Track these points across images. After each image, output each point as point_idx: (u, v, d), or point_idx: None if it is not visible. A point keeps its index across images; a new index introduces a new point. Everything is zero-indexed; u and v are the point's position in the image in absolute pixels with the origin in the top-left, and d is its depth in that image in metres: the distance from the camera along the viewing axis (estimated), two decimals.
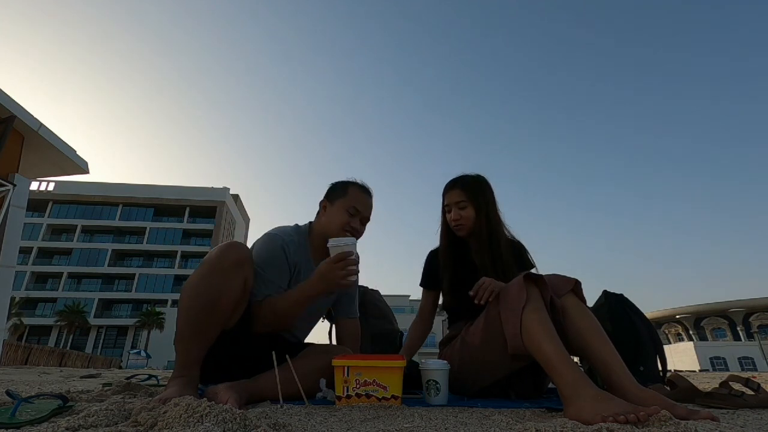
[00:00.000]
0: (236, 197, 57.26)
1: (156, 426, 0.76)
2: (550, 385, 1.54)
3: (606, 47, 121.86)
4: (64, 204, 46.67)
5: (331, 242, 1.30)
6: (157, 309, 38.55)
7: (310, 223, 1.61)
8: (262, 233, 1.53)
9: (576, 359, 1.25)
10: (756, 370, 35.21)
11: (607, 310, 1.83)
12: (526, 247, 1.75)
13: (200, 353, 1.22)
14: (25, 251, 41.61)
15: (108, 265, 44.94)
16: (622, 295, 1.91)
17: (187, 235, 48.56)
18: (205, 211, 49.54)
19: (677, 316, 49.21)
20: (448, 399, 1.26)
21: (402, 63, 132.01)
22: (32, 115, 5.29)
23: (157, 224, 47.99)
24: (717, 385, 1.34)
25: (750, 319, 45.05)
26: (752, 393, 1.28)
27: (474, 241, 1.64)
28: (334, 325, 1.78)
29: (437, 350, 1.70)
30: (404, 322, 1.88)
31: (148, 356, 30.62)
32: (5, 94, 4.91)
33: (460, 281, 1.58)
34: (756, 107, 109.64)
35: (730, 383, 1.32)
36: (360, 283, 1.86)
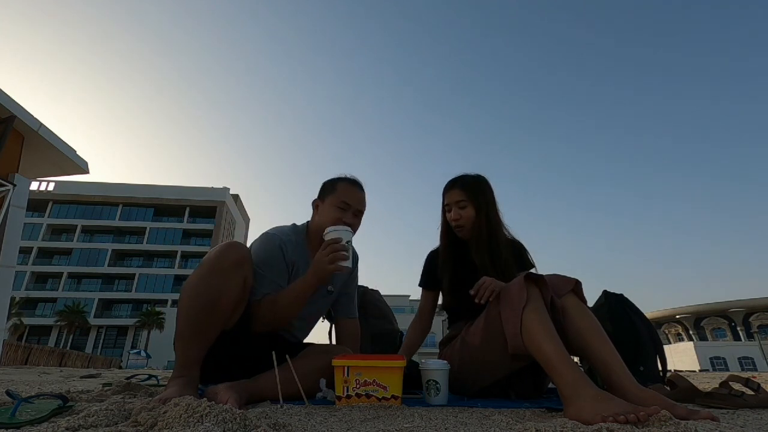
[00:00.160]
0: (236, 197, 57.26)
1: (156, 426, 0.76)
2: (550, 385, 1.54)
3: (606, 47, 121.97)
4: (64, 204, 46.66)
5: (327, 230, 1.34)
6: (157, 309, 38.54)
7: (308, 222, 1.61)
8: (261, 233, 1.54)
9: (576, 359, 1.25)
10: (756, 370, 35.21)
11: (607, 310, 1.83)
12: (526, 247, 1.75)
13: (200, 353, 1.22)
14: (25, 251, 41.61)
15: (108, 265, 44.93)
16: (622, 295, 1.91)
17: (187, 235, 48.55)
18: (205, 211, 49.53)
19: (677, 316, 49.20)
20: (448, 399, 1.26)
21: (402, 63, 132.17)
22: (32, 115, 5.29)
23: (157, 224, 47.98)
24: (717, 385, 1.34)
25: (750, 319, 45.04)
26: (752, 393, 1.28)
27: (474, 240, 1.64)
28: (333, 325, 1.78)
29: (437, 350, 1.70)
30: (404, 322, 1.88)
31: (148, 356, 30.61)
32: (5, 94, 4.91)
33: (460, 281, 1.58)
34: (756, 107, 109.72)
35: (730, 383, 1.32)
36: (360, 283, 1.86)
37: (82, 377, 3.37)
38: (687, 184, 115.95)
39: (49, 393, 1.18)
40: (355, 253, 1.73)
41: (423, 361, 1.33)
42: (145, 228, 47.10)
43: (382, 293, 2.48)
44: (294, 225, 1.59)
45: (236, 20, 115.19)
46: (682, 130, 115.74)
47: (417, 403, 1.23)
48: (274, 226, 1.61)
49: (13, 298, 25.29)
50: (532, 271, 1.53)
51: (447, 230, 1.73)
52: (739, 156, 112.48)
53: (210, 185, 52.75)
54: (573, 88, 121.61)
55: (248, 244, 1.52)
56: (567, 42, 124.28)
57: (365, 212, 1.58)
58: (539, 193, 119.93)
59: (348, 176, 1.58)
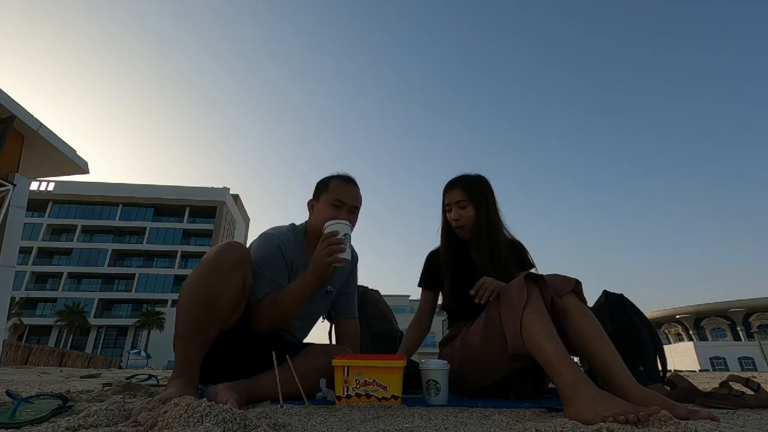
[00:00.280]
0: (236, 197, 57.28)
1: (156, 426, 0.76)
2: (550, 385, 1.54)
3: (606, 47, 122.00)
4: (64, 204, 46.67)
5: (325, 225, 1.34)
6: (157, 309, 38.54)
7: (306, 223, 1.61)
8: (260, 233, 1.54)
9: (576, 359, 1.25)
10: (756, 370, 35.21)
11: (607, 310, 1.83)
12: (526, 247, 1.75)
13: (200, 353, 1.22)
14: (25, 251, 41.61)
15: (108, 265, 44.94)
16: (622, 295, 1.91)
17: (187, 235, 48.56)
18: (205, 211, 49.54)
19: (677, 316, 49.21)
20: (448, 399, 1.26)
21: (402, 63, 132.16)
22: (32, 115, 5.29)
23: (157, 224, 47.99)
24: (717, 385, 1.34)
25: (750, 319, 45.05)
26: (752, 393, 1.28)
27: (474, 240, 1.64)
28: (333, 325, 1.78)
29: (437, 350, 1.70)
30: (404, 322, 1.88)
31: (148, 356, 30.61)
32: (5, 94, 4.91)
33: (460, 281, 1.58)
34: (756, 107, 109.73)
35: (730, 383, 1.32)
36: (360, 283, 1.86)
37: (82, 377, 3.37)
38: (687, 184, 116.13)
39: (49, 393, 1.18)
40: (355, 253, 1.73)
41: (423, 361, 1.33)
42: (145, 228, 47.10)
43: (382, 293, 2.48)
44: (292, 225, 1.59)
45: (236, 20, 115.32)
46: (682, 130, 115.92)
47: (417, 403, 1.23)
48: (273, 226, 1.61)
49: (13, 298, 25.29)
50: (532, 271, 1.53)
51: (447, 230, 1.73)
52: (739, 156, 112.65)
53: (210, 185, 52.86)
54: (573, 88, 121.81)
55: (248, 245, 1.52)
56: (567, 42, 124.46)
57: (364, 209, 1.57)
58: (539, 193, 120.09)
59: (340, 173, 1.57)
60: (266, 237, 1.48)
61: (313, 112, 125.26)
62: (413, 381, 1.43)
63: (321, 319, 1.73)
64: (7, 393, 1.10)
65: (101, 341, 42.19)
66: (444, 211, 1.74)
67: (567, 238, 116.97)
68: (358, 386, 1.18)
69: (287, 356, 1.26)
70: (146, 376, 2.20)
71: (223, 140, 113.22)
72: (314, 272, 1.31)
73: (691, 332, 48.94)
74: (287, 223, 1.61)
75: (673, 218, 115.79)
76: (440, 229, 1.76)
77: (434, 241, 1.81)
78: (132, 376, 2.04)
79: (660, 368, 1.75)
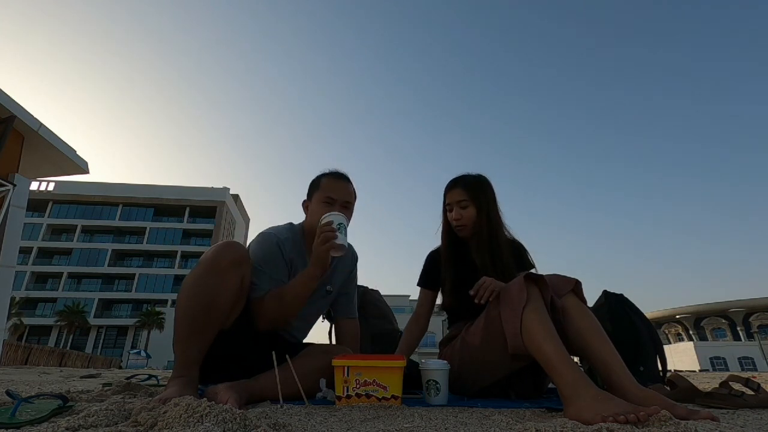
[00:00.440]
0: (236, 197, 57.28)
1: (156, 426, 0.76)
2: (550, 385, 1.54)
3: (606, 48, 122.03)
4: (64, 204, 46.67)
5: (321, 218, 1.35)
6: (157, 309, 38.56)
7: (303, 223, 1.62)
8: (258, 233, 1.55)
9: (576, 359, 1.25)
10: (756, 370, 35.20)
11: (607, 310, 1.83)
12: (526, 247, 1.75)
13: (199, 353, 1.22)
14: (25, 251, 41.60)
15: (108, 265, 44.93)
16: (622, 295, 1.91)
17: (187, 235, 48.55)
18: (205, 211, 49.54)
19: (677, 316, 49.21)
20: (448, 399, 1.26)
21: (402, 63, 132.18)
22: (32, 115, 5.29)
23: (157, 224, 47.99)
24: (717, 385, 1.34)
25: (750, 319, 45.05)
26: (752, 393, 1.28)
27: (475, 240, 1.64)
28: (333, 325, 1.78)
29: (437, 350, 1.70)
30: (404, 322, 1.88)
31: (148, 356, 30.63)
32: (5, 94, 4.91)
33: (460, 281, 1.58)
34: (757, 108, 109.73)
35: (730, 383, 1.32)
36: (360, 283, 1.86)
37: (82, 377, 3.37)
38: (687, 184, 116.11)
39: (49, 393, 1.18)
40: (355, 253, 1.73)
41: (423, 361, 1.33)
42: (145, 228, 47.09)
43: (382, 293, 2.48)
44: (290, 224, 1.60)
45: (236, 20, 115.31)
46: (682, 130, 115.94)
47: (417, 403, 1.23)
48: (272, 226, 1.61)
49: (13, 298, 25.29)
50: (532, 271, 1.53)
51: (448, 230, 1.73)
52: (739, 156, 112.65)
53: (210, 185, 52.86)
54: (573, 88, 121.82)
55: (247, 245, 1.52)
56: (567, 42, 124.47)
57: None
58: (539, 193, 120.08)
59: (330, 170, 1.58)
60: (265, 236, 1.50)
61: (312, 112, 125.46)
62: (413, 381, 1.43)
63: (321, 319, 1.74)
64: (7, 393, 1.10)
65: (101, 341, 42.19)
66: (445, 211, 1.74)
67: (567, 238, 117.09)
68: (358, 386, 1.18)
69: (287, 356, 1.26)
70: (146, 376, 2.20)
71: (223, 140, 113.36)
72: (315, 263, 1.33)
73: (691, 332, 48.94)
74: (285, 223, 1.61)
75: (673, 218, 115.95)
76: (441, 229, 1.76)
77: (434, 241, 1.81)
78: (132, 376, 2.04)
79: (660, 368, 1.75)
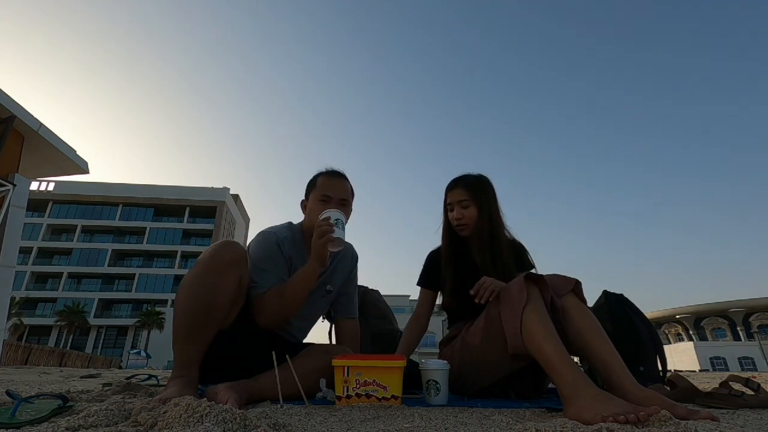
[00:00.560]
0: (236, 197, 57.28)
1: (156, 426, 0.76)
2: (550, 385, 1.54)
3: (606, 48, 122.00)
4: (64, 204, 46.66)
5: (319, 216, 1.36)
6: (157, 309, 38.57)
7: (302, 222, 1.62)
8: (257, 232, 1.56)
9: (576, 359, 1.25)
10: (756, 370, 35.20)
11: (607, 310, 1.83)
12: (526, 247, 1.75)
13: (198, 353, 1.22)
14: (25, 251, 41.59)
15: (108, 265, 44.93)
16: (622, 295, 1.91)
17: (187, 235, 48.54)
18: (205, 211, 49.53)
19: (677, 316, 49.20)
20: (448, 399, 1.26)
21: (402, 63, 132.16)
22: (32, 115, 5.29)
23: (157, 224, 47.98)
24: (717, 385, 1.34)
25: (750, 319, 45.04)
26: (752, 393, 1.28)
27: (475, 240, 1.64)
28: (333, 325, 1.78)
29: (437, 350, 1.70)
30: (404, 322, 1.88)
31: (148, 356, 30.62)
32: (5, 94, 4.91)
33: (461, 281, 1.58)
34: (757, 108, 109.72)
35: (730, 383, 1.32)
36: (360, 283, 1.86)
37: (82, 377, 3.37)
38: (687, 184, 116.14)
39: (49, 393, 1.18)
40: (355, 253, 1.73)
41: (423, 361, 1.33)
42: (145, 228, 47.08)
43: (382, 293, 2.48)
44: (290, 223, 1.61)
45: (236, 20, 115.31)
46: (683, 130, 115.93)
47: (417, 403, 1.23)
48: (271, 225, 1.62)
49: (13, 298, 25.29)
50: (532, 271, 1.53)
51: (449, 229, 1.73)
52: (739, 156, 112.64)
53: (210, 185, 52.85)
54: (573, 88, 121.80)
55: (247, 244, 1.53)
56: (567, 42, 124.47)
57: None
58: (539, 193, 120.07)
59: (326, 169, 1.59)
60: (264, 235, 1.51)
61: (312, 112, 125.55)
62: (413, 381, 1.43)
63: (321, 319, 1.74)
64: (7, 393, 1.10)
65: (101, 341, 42.18)
66: (445, 211, 1.73)
67: (567, 238, 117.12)
68: (358, 386, 1.18)
69: (287, 356, 1.26)
70: (146, 376, 2.20)
71: (223, 140, 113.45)
72: (314, 258, 1.33)
73: (691, 332, 48.93)
74: (285, 222, 1.62)
75: (673, 218, 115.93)
76: (441, 229, 1.76)
77: (434, 241, 1.81)
78: (132, 376, 2.04)
79: (660, 368, 1.75)
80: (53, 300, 42.51)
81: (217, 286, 1.23)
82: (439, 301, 1.75)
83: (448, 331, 1.66)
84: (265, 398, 1.20)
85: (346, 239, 1.38)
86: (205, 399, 0.86)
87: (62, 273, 43.92)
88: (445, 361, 1.29)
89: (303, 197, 1.60)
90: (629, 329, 1.77)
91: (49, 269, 44.21)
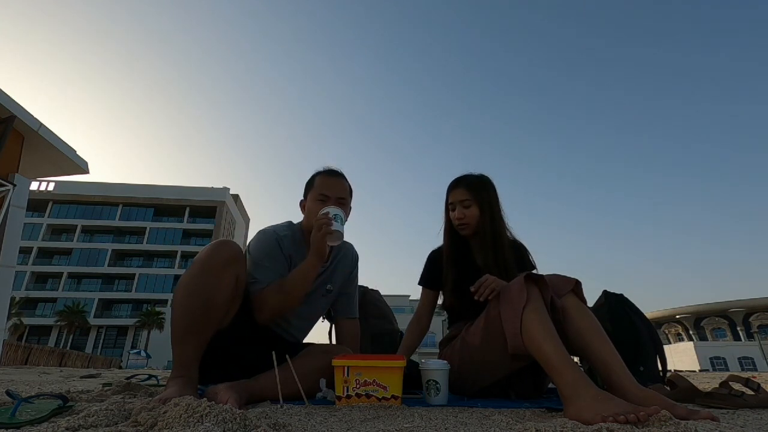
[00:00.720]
0: (236, 197, 57.28)
1: (156, 426, 0.76)
2: (550, 385, 1.54)
3: (606, 48, 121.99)
4: (64, 204, 46.65)
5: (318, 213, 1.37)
6: (157, 309, 38.57)
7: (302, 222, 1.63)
8: (257, 231, 1.57)
9: (576, 359, 1.25)
10: (756, 370, 35.20)
11: (607, 310, 1.83)
12: (527, 247, 1.75)
13: (197, 353, 1.22)
14: (25, 251, 41.58)
15: (108, 265, 44.92)
16: (622, 295, 1.91)
17: (187, 235, 48.53)
18: (205, 211, 49.52)
19: (677, 316, 49.19)
20: (448, 399, 1.26)
21: (402, 63, 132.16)
22: (32, 115, 5.28)
23: (157, 224, 47.98)
24: (717, 385, 1.34)
25: (750, 319, 45.03)
26: (752, 393, 1.28)
27: (477, 240, 1.64)
28: (333, 325, 1.78)
29: (437, 350, 1.70)
30: (404, 322, 1.89)
31: (148, 356, 30.62)
32: (5, 94, 4.91)
33: (462, 280, 1.58)
34: (757, 108, 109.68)
35: (730, 383, 1.32)
36: (360, 283, 1.86)
37: (82, 377, 3.37)
38: (687, 184, 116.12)
39: (49, 393, 1.18)
40: (355, 254, 1.73)
41: (423, 361, 1.33)
42: (145, 228, 47.08)
43: (382, 293, 2.48)
44: (290, 222, 1.62)
45: (236, 20, 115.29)
46: (682, 131, 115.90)
47: (417, 403, 1.23)
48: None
49: (13, 298, 25.29)
50: (533, 271, 1.53)
51: (450, 229, 1.73)
52: (739, 156, 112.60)
53: (210, 185, 52.83)
54: (573, 88, 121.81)
55: (247, 244, 1.53)
56: (567, 42, 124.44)
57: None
58: (539, 193, 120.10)
59: (324, 168, 1.60)
60: (264, 233, 1.52)
61: (312, 112, 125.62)
62: (413, 381, 1.43)
63: (321, 319, 1.74)
64: (7, 393, 1.10)
65: (101, 341, 42.17)
66: (447, 210, 1.73)
67: (567, 238, 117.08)
68: (358, 386, 1.18)
69: (287, 356, 1.26)
70: (146, 376, 2.20)
71: (223, 140, 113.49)
72: (313, 252, 1.35)
73: (691, 332, 48.92)
74: (285, 221, 1.62)
75: (673, 218, 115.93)
76: (443, 228, 1.76)
77: (434, 241, 1.81)
78: (132, 376, 2.04)
79: (660, 368, 1.75)
80: (53, 300, 42.50)
81: (214, 286, 1.23)
82: (440, 300, 1.75)
83: (448, 331, 1.66)
84: (265, 398, 1.20)
85: (346, 239, 1.38)
86: (205, 399, 0.86)
87: (62, 273, 43.91)
88: (445, 361, 1.29)
89: (302, 195, 1.61)
90: (629, 329, 1.77)
91: (49, 269, 44.20)
